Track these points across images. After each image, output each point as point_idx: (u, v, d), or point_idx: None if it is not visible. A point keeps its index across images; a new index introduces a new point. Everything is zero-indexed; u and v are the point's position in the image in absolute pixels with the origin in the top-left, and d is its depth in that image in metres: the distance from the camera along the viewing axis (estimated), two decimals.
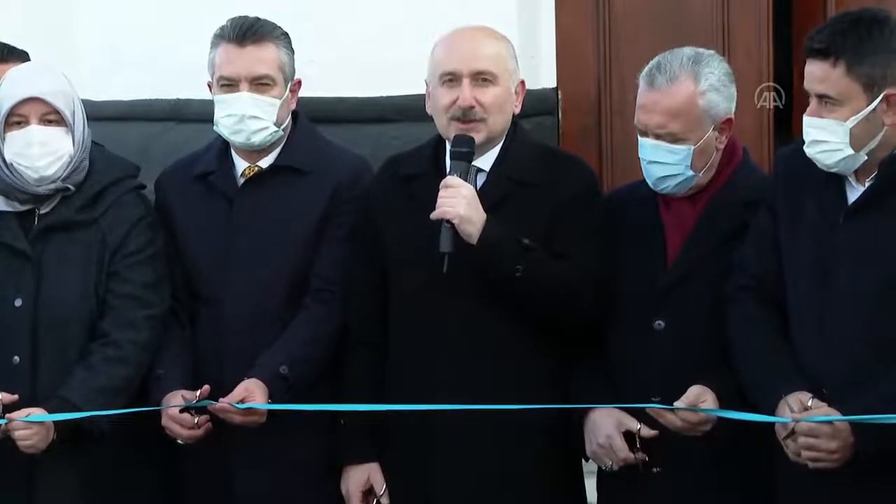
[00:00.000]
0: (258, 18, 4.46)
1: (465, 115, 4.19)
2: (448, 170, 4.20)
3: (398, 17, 6.47)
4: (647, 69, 4.14)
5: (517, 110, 4.31)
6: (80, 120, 4.34)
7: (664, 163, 4.09)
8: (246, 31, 4.38)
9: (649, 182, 4.16)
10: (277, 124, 4.41)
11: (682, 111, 4.07)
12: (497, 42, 4.29)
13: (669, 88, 4.07)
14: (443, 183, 4.13)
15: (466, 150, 4.17)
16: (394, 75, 6.33)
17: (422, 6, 6.37)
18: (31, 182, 4.30)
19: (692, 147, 4.07)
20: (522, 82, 4.33)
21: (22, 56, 5.32)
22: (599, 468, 4.23)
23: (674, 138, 4.07)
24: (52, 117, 4.28)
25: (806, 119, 3.83)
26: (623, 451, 4.11)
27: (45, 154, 4.27)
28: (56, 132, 4.29)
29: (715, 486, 4.09)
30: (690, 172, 4.10)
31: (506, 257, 4.09)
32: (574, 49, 6.73)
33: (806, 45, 3.81)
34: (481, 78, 4.20)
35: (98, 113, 6.54)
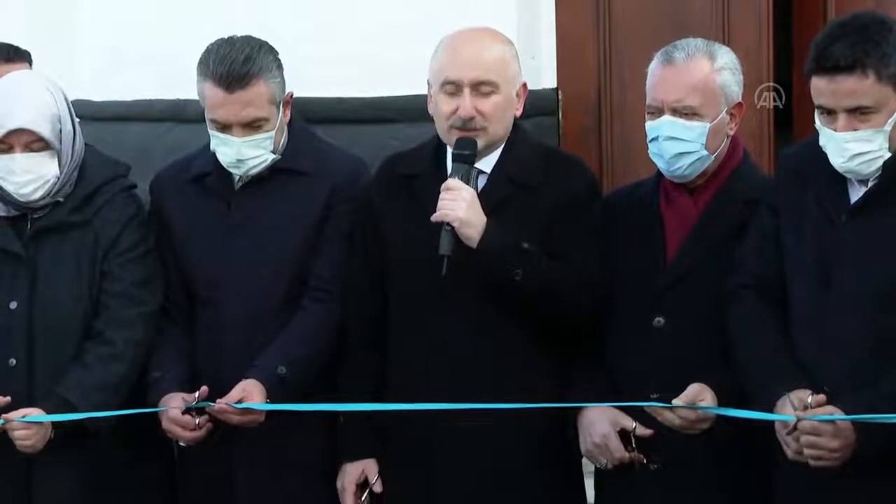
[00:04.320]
0: (245, 57, 4.28)
1: (465, 125, 4.17)
2: (450, 171, 4.20)
3: (398, 17, 6.47)
4: (661, 52, 4.18)
5: (518, 113, 4.29)
6: (67, 136, 4.32)
7: (681, 139, 4.09)
8: (232, 78, 4.25)
9: (661, 164, 4.16)
10: (274, 151, 4.38)
11: (700, 85, 4.10)
12: (500, 47, 4.26)
13: (688, 64, 4.11)
14: (444, 185, 4.13)
15: (468, 153, 4.16)
16: (394, 75, 6.34)
17: (422, 6, 6.38)
18: (20, 202, 4.31)
19: (708, 124, 4.10)
20: (524, 85, 4.30)
21: (25, 56, 5.34)
22: (596, 467, 4.23)
23: (692, 112, 4.09)
24: (37, 145, 4.26)
25: (840, 136, 3.78)
26: (619, 450, 4.11)
27: (29, 182, 4.26)
28: (41, 158, 4.27)
29: (714, 485, 4.09)
30: (705, 152, 4.11)
31: (506, 261, 4.08)
32: (574, 49, 6.74)
33: (818, 64, 3.77)
34: (482, 87, 4.18)
35: (98, 113, 6.57)
